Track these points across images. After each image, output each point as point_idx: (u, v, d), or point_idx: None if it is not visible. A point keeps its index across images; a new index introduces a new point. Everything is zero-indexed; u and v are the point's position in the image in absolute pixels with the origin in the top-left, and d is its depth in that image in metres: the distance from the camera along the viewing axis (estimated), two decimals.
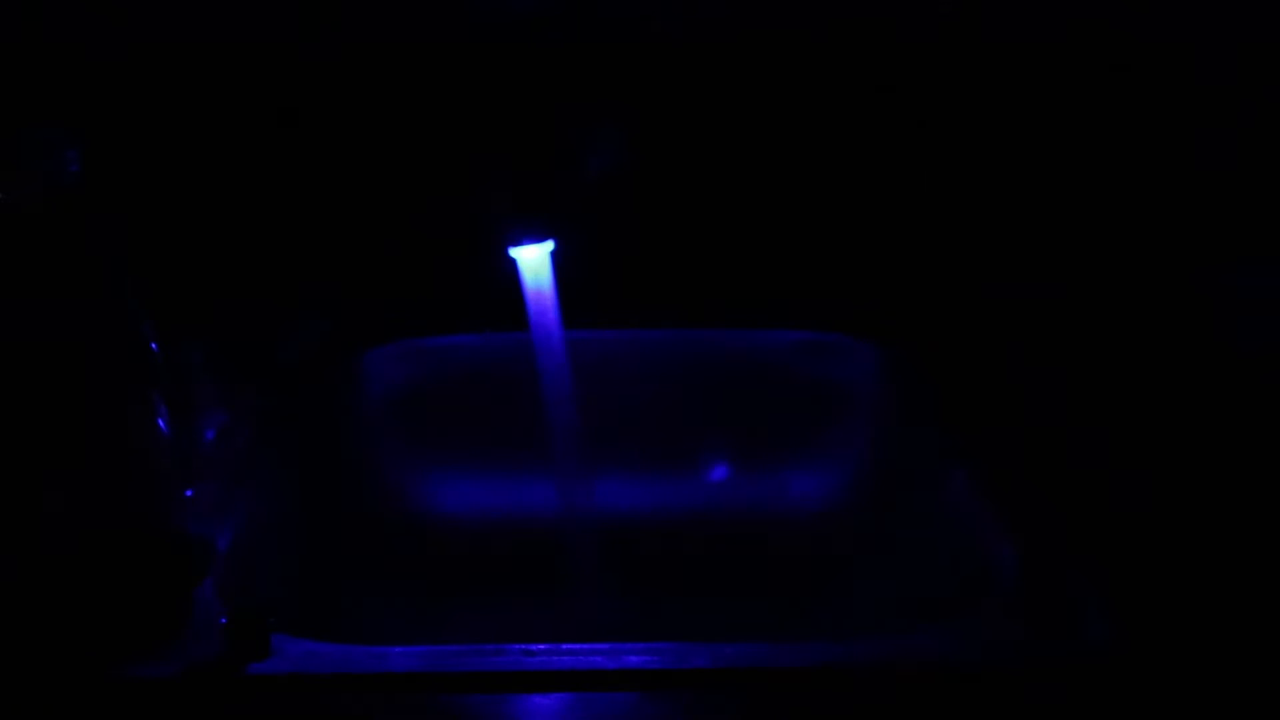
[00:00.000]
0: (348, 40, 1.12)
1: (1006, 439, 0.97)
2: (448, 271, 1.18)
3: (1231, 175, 1.12)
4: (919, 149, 1.17)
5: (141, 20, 1.08)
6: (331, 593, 1.02)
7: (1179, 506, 0.86)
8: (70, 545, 0.81)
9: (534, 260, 1.00)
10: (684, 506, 1.19)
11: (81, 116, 0.93)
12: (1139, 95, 1.12)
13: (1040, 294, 1.13)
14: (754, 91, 1.15)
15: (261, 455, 0.99)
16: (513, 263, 1.01)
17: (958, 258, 1.18)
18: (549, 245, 1.00)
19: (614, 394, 1.15)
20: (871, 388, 1.16)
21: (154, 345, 0.84)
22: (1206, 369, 1.02)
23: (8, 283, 0.81)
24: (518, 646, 0.75)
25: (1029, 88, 1.13)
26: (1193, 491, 0.88)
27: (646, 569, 1.13)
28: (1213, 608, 0.76)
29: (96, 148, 0.86)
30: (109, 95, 1.08)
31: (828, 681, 0.72)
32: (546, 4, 1.09)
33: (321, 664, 0.73)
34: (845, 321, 1.18)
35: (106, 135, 0.99)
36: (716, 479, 1.20)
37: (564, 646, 0.75)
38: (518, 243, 1.00)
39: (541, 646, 0.75)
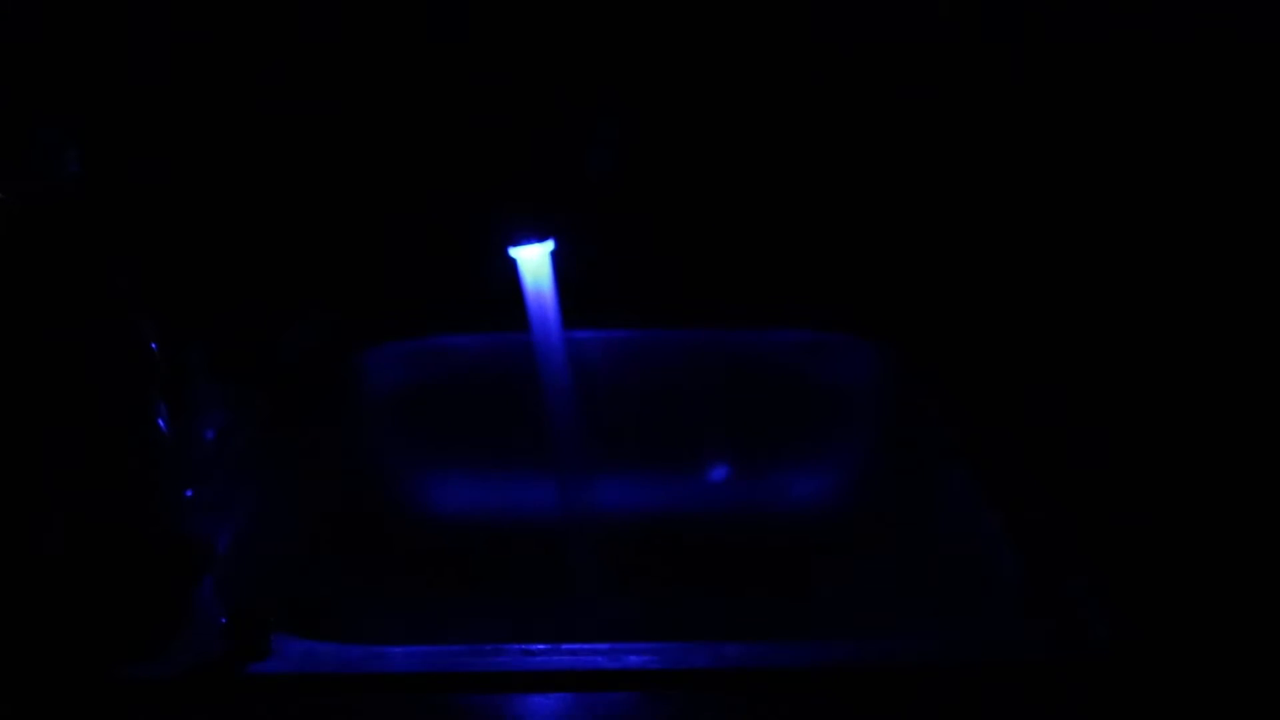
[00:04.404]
0: (348, 40, 1.12)
1: (1006, 439, 0.97)
2: (448, 271, 1.18)
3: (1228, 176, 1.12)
4: (920, 150, 1.16)
5: (142, 21, 1.08)
6: (331, 593, 1.02)
7: (1179, 507, 0.86)
8: (70, 545, 0.81)
9: (534, 260, 1.01)
10: (684, 506, 1.19)
11: (81, 116, 0.93)
12: (1137, 96, 1.12)
13: (1040, 295, 1.13)
14: (755, 92, 1.15)
15: (261, 455, 1.00)
16: (513, 263, 1.01)
17: (958, 258, 1.18)
18: (549, 245, 1.00)
19: (614, 394, 1.16)
20: (872, 388, 1.16)
21: (154, 345, 0.84)
22: (1207, 370, 1.02)
23: (8, 283, 0.81)
24: (518, 646, 0.75)
25: (1029, 88, 1.13)
26: (1193, 492, 0.88)
27: (646, 569, 1.13)
28: (1213, 607, 0.76)
29: (96, 148, 0.86)
30: (109, 95, 1.08)
31: (828, 681, 0.72)
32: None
33: (321, 664, 0.73)
34: (846, 321, 1.18)
35: (106, 135, 0.99)
36: (717, 479, 1.20)
37: (564, 646, 0.75)
38: (518, 243, 1.00)
39: (541, 646, 0.75)
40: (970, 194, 1.17)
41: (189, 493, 0.91)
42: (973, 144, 1.16)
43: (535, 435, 1.07)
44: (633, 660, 0.73)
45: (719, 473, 1.20)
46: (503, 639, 0.76)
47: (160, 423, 0.85)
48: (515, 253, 1.00)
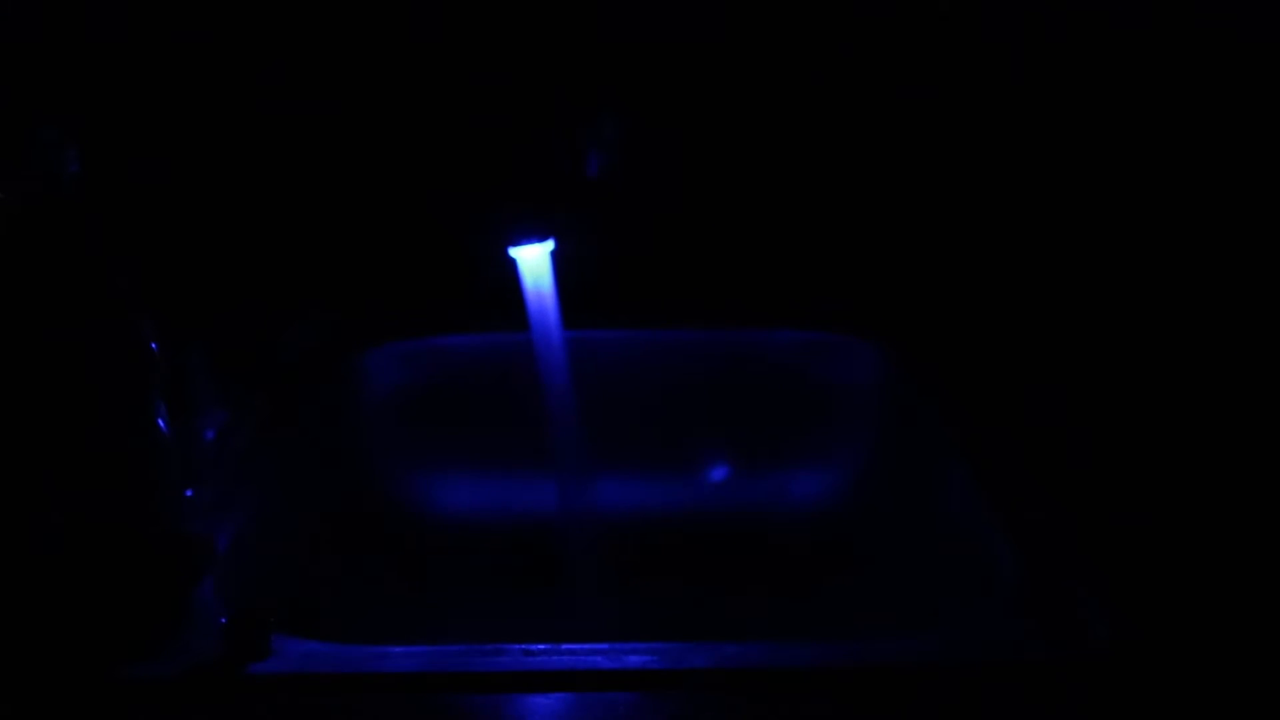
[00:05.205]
0: (348, 40, 1.12)
1: (1006, 439, 0.97)
2: (448, 271, 1.18)
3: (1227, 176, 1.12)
4: (920, 150, 1.17)
5: (142, 20, 1.08)
6: (331, 593, 1.02)
7: (1179, 507, 0.86)
8: (70, 545, 0.81)
9: (534, 260, 1.01)
10: (684, 506, 1.19)
11: (81, 116, 0.93)
12: (1137, 97, 1.12)
13: (1040, 295, 1.13)
14: (755, 92, 1.15)
15: (261, 455, 1.00)
16: (513, 263, 1.01)
17: (958, 258, 1.18)
18: (549, 245, 1.00)
19: (614, 394, 1.15)
20: (872, 388, 1.16)
21: (154, 345, 0.84)
22: (1207, 370, 1.02)
23: (8, 283, 0.81)
24: (518, 646, 0.75)
25: (1029, 88, 1.13)
26: (1192, 492, 0.88)
27: (647, 568, 1.13)
28: (1213, 607, 0.76)
29: (96, 148, 0.86)
30: (109, 95, 1.08)
31: (828, 681, 0.72)
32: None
33: (321, 664, 0.73)
34: (846, 321, 1.18)
35: (106, 135, 0.99)
36: (717, 479, 1.20)
37: (564, 646, 0.75)
38: (518, 243, 1.00)
39: (541, 646, 0.75)
40: (970, 194, 1.17)
41: (189, 493, 0.91)
42: (973, 144, 1.16)
43: (535, 435, 1.07)
44: (633, 660, 0.73)
45: (719, 472, 1.20)
46: (503, 639, 0.76)
47: (160, 423, 0.85)
48: (515, 253, 1.00)
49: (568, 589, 1.12)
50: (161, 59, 1.10)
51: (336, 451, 1.13)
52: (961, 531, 0.95)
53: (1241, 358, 1.02)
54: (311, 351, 1.15)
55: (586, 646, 0.75)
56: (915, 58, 1.13)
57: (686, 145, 1.17)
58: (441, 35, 1.12)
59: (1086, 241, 1.15)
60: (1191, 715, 0.70)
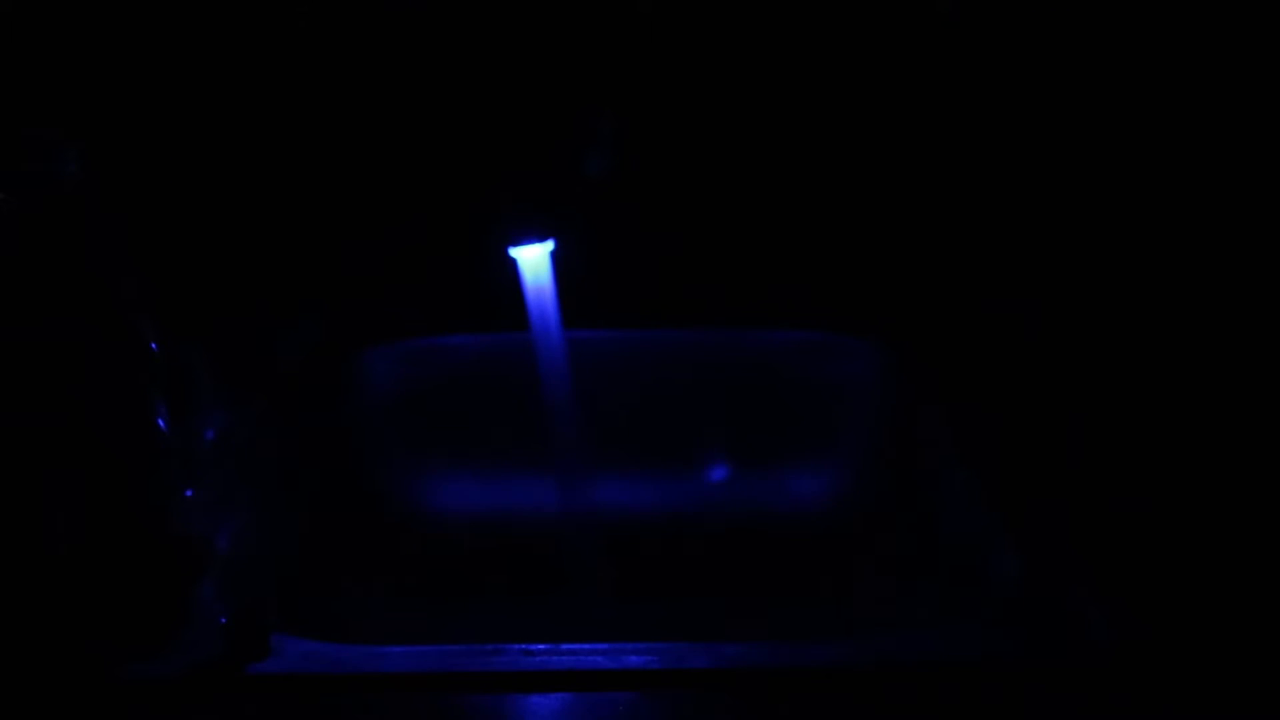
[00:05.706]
0: (348, 40, 1.12)
1: (1006, 439, 0.97)
2: (448, 271, 1.18)
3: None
4: (920, 150, 1.16)
5: (142, 20, 1.09)
6: (331, 593, 1.02)
7: (1179, 507, 0.86)
8: (70, 545, 0.81)
9: (534, 260, 1.01)
10: (684, 506, 1.19)
11: (81, 116, 0.93)
12: (1137, 96, 1.12)
13: (1040, 295, 1.13)
14: (755, 92, 1.15)
15: (261, 455, 1.00)
16: (513, 263, 1.01)
17: (958, 258, 1.18)
18: (549, 245, 1.00)
19: (614, 394, 1.15)
20: (871, 388, 1.16)
21: (154, 345, 0.84)
22: (1209, 370, 1.02)
23: (8, 283, 0.81)
24: (518, 646, 0.75)
25: (1028, 88, 1.13)
26: (1194, 493, 0.88)
27: (646, 569, 1.13)
28: (1214, 608, 0.76)
29: (96, 148, 0.86)
30: (109, 95, 1.08)
31: (828, 681, 0.72)
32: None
33: (321, 664, 0.73)
34: (845, 321, 1.18)
35: (106, 135, 0.99)
36: (716, 479, 1.20)
37: (564, 646, 0.75)
38: (518, 243, 1.00)
39: (541, 646, 0.75)
40: (970, 193, 1.17)
41: (189, 493, 0.91)
42: (972, 143, 1.16)
43: (535, 435, 1.07)
44: (633, 660, 0.73)
45: (719, 472, 1.20)
46: (503, 639, 0.76)
47: (160, 423, 0.85)
48: (515, 253, 1.00)
49: (567, 588, 1.12)
50: (162, 59, 1.10)
51: (336, 451, 1.13)
52: (961, 531, 0.95)
53: (1242, 358, 1.02)
54: (311, 351, 1.15)
55: (586, 646, 0.75)
56: (915, 58, 1.13)
57: (686, 145, 1.17)
58: (441, 35, 1.12)
59: (1086, 241, 1.15)
60: (1192, 716, 0.70)
